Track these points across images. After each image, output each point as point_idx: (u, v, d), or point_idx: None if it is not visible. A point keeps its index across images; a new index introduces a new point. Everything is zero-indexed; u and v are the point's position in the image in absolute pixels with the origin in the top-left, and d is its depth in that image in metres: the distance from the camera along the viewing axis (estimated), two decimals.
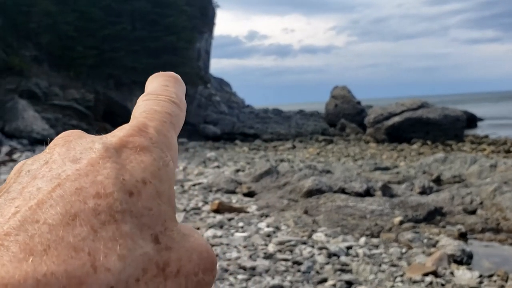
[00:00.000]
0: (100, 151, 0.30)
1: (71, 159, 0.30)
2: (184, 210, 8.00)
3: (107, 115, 24.69)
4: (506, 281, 5.27)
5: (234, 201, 9.15)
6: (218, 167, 14.20)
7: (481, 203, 8.13)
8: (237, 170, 13.18)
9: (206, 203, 8.63)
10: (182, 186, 10.45)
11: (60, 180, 0.29)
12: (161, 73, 0.41)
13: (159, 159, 0.32)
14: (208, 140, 24.50)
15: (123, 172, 0.30)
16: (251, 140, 24.21)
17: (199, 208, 8.18)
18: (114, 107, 25.08)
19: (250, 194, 9.86)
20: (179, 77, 0.41)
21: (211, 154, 17.52)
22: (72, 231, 0.26)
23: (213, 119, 28.68)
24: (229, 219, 7.47)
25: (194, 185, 10.54)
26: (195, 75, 31.89)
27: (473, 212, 7.94)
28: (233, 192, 10.00)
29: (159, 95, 0.38)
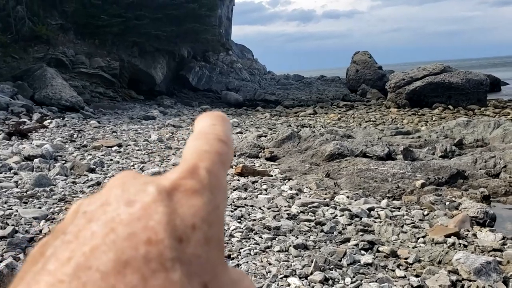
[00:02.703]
0: (153, 194, 0.31)
1: (125, 202, 0.30)
2: None
3: (132, 83, 24.97)
4: None
5: (257, 165, 9.32)
6: (241, 132, 14.37)
7: (505, 166, 8.11)
8: (260, 136, 13.33)
9: (230, 167, 8.81)
10: None
11: (113, 224, 0.29)
12: (208, 112, 0.41)
13: (209, 202, 0.32)
14: (231, 107, 24.63)
15: (174, 217, 0.30)
16: (272, 107, 24.26)
17: None
18: (139, 75, 25.30)
19: (272, 158, 10.02)
20: (225, 115, 0.41)
21: (233, 120, 17.67)
22: (123, 279, 0.27)
23: (235, 86, 28.69)
24: (253, 182, 7.66)
25: None
26: (217, 42, 31.73)
27: (496, 175, 7.95)
28: (256, 156, 10.17)
29: (207, 134, 0.38)
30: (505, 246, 5.21)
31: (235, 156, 10.12)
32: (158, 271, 0.27)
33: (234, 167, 8.66)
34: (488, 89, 21.40)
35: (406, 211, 6.48)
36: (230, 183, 7.56)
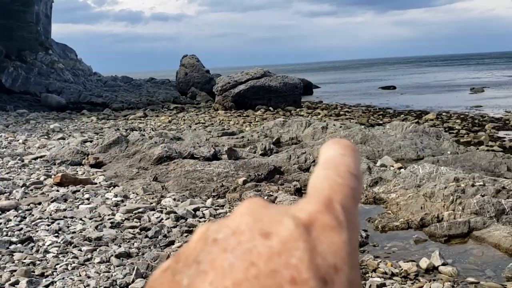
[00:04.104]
0: (291, 228, 0.28)
1: (261, 233, 0.28)
2: (24, 185, 7.51)
3: None
4: None
5: (80, 173, 8.83)
6: (63, 138, 13.43)
7: (314, 161, 9.09)
8: (85, 141, 12.64)
9: (48, 176, 8.20)
10: (22, 160, 9.72)
11: (252, 257, 0.27)
12: (337, 140, 0.38)
13: (348, 241, 0.29)
14: (52, 110, 22.79)
15: (315, 255, 0.28)
16: (99, 110, 23.16)
17: (41, 182, 7.75)
18: None
19: (97, 165, 9.59)
20: (355, 146, 0.38)
21: (55, 125, 16.41)
22: None
23: (57, 88, 26.61)
24: (74, 192, 7.24)
25: (36, 158, 9.88)
26: (34, 40, 29.06)
27: (307, 169, 8.85)
28: (79, 164, 9.62)
29: (338, 165, 0.35)
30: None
31: (54, 164, 9.41)
32: None
33: (53, 176, 8.07)
34: (302, 92, 23.76)
35: (229, 208, 6.82)
36: (48, 195, 7.02)
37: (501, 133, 14.24)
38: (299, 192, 7.79)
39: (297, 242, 0.28)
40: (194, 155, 9.47)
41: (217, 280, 0.26)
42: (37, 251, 4.86)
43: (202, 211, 6.52)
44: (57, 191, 7.22)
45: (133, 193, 7.44)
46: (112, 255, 4.75)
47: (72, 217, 6.02)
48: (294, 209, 0.31)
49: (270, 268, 0.26)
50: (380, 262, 5.07)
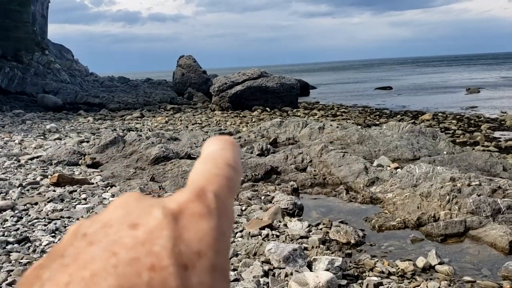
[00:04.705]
0: (158, 218, 0.29)
1: (129, 224, 0.29)
2: (20, 185, 7.49)
3: None
4: (330, 227, 6.04)
5: (76, 173, 8.82)
6: (59, 139, 13.41)
7: (311, 161, 9.10)
8: (81, 141, 12.62)
9: (45, 176, 8.18)
10: (18, 160, 9.69)
11: (115, 248, 0.27)
12: (218, 136, 0.40)
13: (216, 228, 0.30)
14: (49, 111, 22.74)
15: (179, 242, 0.28)
16: (96, 110, 23.14)
17: (37, 183, 7.73)
18: None
19: (94, 165, 9.58)
20: (235, 141, 0.40)
21: (51, 125, 16.40)
22: None
23: (53, 88, 26.57)
24: (71, 192, 7.23)
25: (32, 158, 9.86)
26: (30, 40, 29.00)
27: (304, 169, 8.86)
28: (76, 164, 9.60)
29: (217, 158, 0.36)
30: (310, 233, 5.83)
31: (51, 164, 9.39)
32: None
33: (49, 176, 8.05)
34: (299, 93, 23.81)
35: None
36: (44, 195, 7.01)
37: (496, 134, 14.31)
38: (296, 192, 7.80)
39: (162, 231, 0.28)
40: (191, 155, 9.47)
41: (76, 271, 0.26)
42: (34, 251, 4.85)
43: None
44: (54, 191, 7.21)
45: None
46: None
47: (69, 217, 6.01)
48: (166, 200, 0.32)
49: (130, 256, 0.27)
50: (377, 261, 5.08)
